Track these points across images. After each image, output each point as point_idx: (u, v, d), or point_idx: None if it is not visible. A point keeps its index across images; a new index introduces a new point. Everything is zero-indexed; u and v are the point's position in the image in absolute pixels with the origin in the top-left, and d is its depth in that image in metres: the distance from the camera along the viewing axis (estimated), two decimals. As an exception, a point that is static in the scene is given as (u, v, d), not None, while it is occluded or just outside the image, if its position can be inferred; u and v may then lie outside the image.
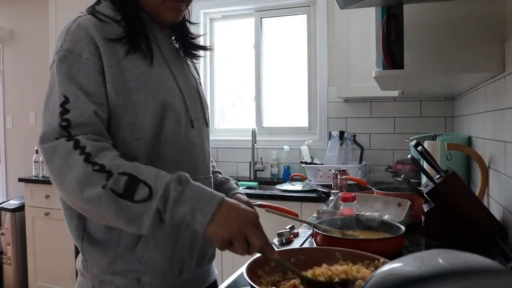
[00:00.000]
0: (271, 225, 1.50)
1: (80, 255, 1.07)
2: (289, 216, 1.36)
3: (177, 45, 1.20)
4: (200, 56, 1.26)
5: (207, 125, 1.18)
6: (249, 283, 0.86)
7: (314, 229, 1.31)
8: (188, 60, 1.23)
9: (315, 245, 1.32)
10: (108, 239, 1.00)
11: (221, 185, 1.26)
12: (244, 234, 0.82)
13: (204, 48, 1.27)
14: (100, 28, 0.99)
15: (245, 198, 1.20)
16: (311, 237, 1.47)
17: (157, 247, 1.01)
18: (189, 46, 1.22)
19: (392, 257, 0.87)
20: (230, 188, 1.25)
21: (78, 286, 1.08)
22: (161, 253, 1.01)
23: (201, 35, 1.27)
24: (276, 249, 1.15)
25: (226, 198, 0.86)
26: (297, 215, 1.46)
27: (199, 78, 1.26)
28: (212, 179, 1.20)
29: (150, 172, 0.86)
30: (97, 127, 0.92)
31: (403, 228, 1.30)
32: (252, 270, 0.93)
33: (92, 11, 1.04)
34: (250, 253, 0.85)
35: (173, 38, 1.19)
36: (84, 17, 1.01)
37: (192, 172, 1.02)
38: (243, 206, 0.87)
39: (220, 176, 1.31)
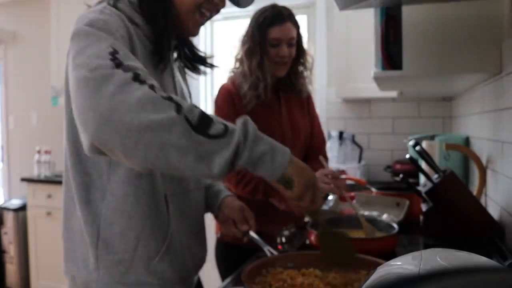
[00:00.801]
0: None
1: (74, 262, 1.00)
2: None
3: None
4: (204, 74, 1.22)
5: None
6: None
7: (309, 229, 1.33)
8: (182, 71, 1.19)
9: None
10: (123, 248, 0.96)
11: (209, 188, 1.24)
12: (315, 187, 0.86)
13: (211, 66, 1.22)
14: (128, 24, 0.90)
15: (237, 202, 1.21)
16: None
17: (170, 260, 1.00)
18: (194, 60, 1.17)
19: (385, 256, 0.89)
20: (219, 191, 1.24)
21: None
22: (172, 266, 1.01)
23: (212, 56, 1.23)
24: (274, 251, 1.17)
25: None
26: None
27: (190, 93, 1.21)
28: (203, 191, 1.18)
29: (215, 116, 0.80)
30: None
31: (396, 227, 1.32)
32: (250, 276, 0.96)
33: (115, 7, 0.93)
34: (314, 207, 0.88)
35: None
36: (111, 8, 0.91)
37: (184, 183, 1.04)
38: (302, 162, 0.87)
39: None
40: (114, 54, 0.78)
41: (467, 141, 2.06)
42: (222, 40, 3.68)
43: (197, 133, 0.73)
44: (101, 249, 0.96)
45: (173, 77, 1.06)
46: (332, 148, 3.04)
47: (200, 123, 0.74)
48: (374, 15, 1.61)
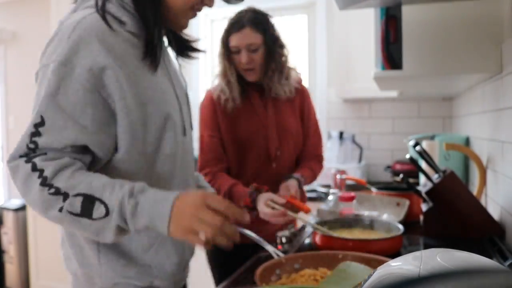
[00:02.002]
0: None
1: (76, 259, 1.03)
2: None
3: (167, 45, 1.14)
4: (195, 58, 1.21)
5: (192, 128, 1.16)
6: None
7: (314, 229, 1.32)
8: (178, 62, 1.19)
9: (314, 245, 1.34)
10: (122, 243, 0.99)
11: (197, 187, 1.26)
12: (194, 228, 0.84)
13: (201, 51, 1.21)
14: (109, 38, 0.91)
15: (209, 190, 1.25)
16: (311, 237, 1.49)
17: (166, 252, 1.03)
18: (185, 48, 1.17)
19: (391, 256, 0.88)
20: (204, 188, 1.27)
21: (83, 285, 1.05)
22: (170, 258, 1.04)
23: (198, 39, 1.21)
24: (277, 250, 1.17)
25: (181, 195, 0.87)
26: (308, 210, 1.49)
27: (186, 83, 1.22)
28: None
29: (105, 186, 0.86)
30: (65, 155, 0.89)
31: (401, 228, 1.31)
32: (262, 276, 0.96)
33: (102, 10, 0.93)
34: (208, 245, 0.85)
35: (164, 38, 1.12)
36: (90, 19, 0.91)
37: (182, 187, 1.05)
38: (191, 194, 0.88)
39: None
40: (37, 127, 0.88)
41: (467, 141, 2.06)
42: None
43: (83, 218, 0.85)
44: (102, 245, 0.98)
45: (169, 75, 1.06)
46: (332, 148, 3.04)
47: (83, 210, 0.85)
48: (374, 15, 1.61)
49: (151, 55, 0.97)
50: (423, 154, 1.46)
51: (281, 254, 1.17)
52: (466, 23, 1.45)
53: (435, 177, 1.47)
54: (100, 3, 0.95)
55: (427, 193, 1.43)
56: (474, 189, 1.72)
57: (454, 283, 0.52)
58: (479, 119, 1.77)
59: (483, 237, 1.36)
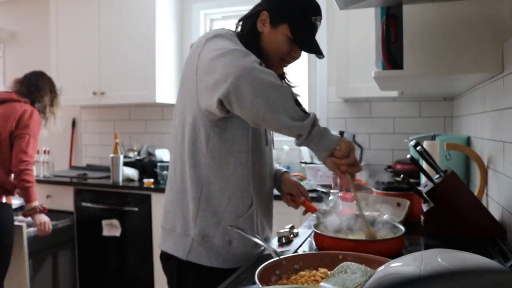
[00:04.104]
0: (275, 222, 1.51)
1: (174, 215, 1.35)
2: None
3: None
4: None
5: (273, 146, 1.52)
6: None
7: (315, 230, 1.31)
8: None
9: (314, 245, 1.33)
10: (218, 203, 1.30)
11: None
12: (354, 154, 1.17)
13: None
14: None
15: (293, 179, 1.54)
16: (311, 237, 1.48)
17: (251, 225, 1.33)
18: None
19: (391, 257, 0.88)
20: (278, 170, 1.58)
21: (177, 237, 1.34)
22: (252, 229, 1.33)
23: (297, 86, 1.51)
24: (277, 250, 1.17)
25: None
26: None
27: None
28: (272, 180, 1.51)
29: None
30: None
31: (403, 228, 1.31)
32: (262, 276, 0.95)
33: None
34: (355, 168, 1.18)
35: None
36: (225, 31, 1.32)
37: (261, 184, 1.38)
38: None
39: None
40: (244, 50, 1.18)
41: (468, 141, 2.05)
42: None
43: (296, 105, 1.13)
44: (202, 202, 1.29)
45: None
46: (332, 148, 3.03)
47: (297, 103, 1.15)
48: (375, 15, 1.60)
49: None
50: (424, 154, 1.45)
51: (281, 255, 1.16)
52: (467, 22, 1.44)
53: (436, 177, 1.46)
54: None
55: (428, 193, 1.42)
56: (475, 189, 1.72)
57: (454, 284, 0.52)
58: (480, 119, 1.76)
59: (484, 237, 1.35)
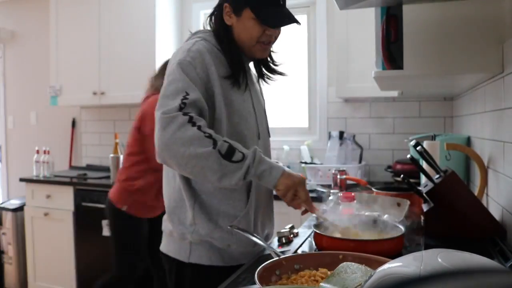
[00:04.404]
0: (275, 222, 1.51)
1: (172, 221, 1.34)
2: None
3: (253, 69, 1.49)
4: (273, 80, 1.52)
5: (269, 135, 1.53)
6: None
7: (315, 230, 1.31)
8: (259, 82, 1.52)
9: (314, 245, 1.33)
10: (215, 213, 1.30)
11: None
12: (297, 188, 1.24)
13: (282, 74, 1.50)
14: (213, 56, 1.28)
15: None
16: (311, 237, 1.48)
17: (247, 225, 1.32)
18: (268, 71, 1.48)
19: (392, 257, 0.87)
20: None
21: (176, 241, 1.35)
22: (248, 228, 1.31)
23: (283, 63, 1.51)
24: (278, 251, 1.17)
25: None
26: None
27: (264, 100, 1.59)
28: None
29: (239, 144, 1.21)
30: (203, 112, 1.22)
31: (403, 228, 1.30)
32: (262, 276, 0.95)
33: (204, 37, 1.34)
34: (297, 204, 1.28)
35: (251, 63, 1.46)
36: (200, 43, 1.30)
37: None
38: (295, 173, 1.27)
39: None
40: (184, 97, 1.18)
41: (468, 141, 2.05)
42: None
43: (225, 160, 1.15)
44: (196, 209, 1.30)
45: (251, 96, 1.40)
46: (332, 148, 3.04)
47: (227, 153, 1.16)
48: (375, 15, 1.60)
49: (234, 79, 1.32)
50: (424, 154, 1.45)
51: (281, 255, 1.16)
52: (467, 22, 1.44)
53: (436, 177, 1.46)
54: (202, 36, 1.35)
55: (428, 193, 1.42)
56: (475, 189, 1.72)
57: (455, 284, 0.52)
58: (480, 119, 1.76)
59: (484, 237, 1.35)
